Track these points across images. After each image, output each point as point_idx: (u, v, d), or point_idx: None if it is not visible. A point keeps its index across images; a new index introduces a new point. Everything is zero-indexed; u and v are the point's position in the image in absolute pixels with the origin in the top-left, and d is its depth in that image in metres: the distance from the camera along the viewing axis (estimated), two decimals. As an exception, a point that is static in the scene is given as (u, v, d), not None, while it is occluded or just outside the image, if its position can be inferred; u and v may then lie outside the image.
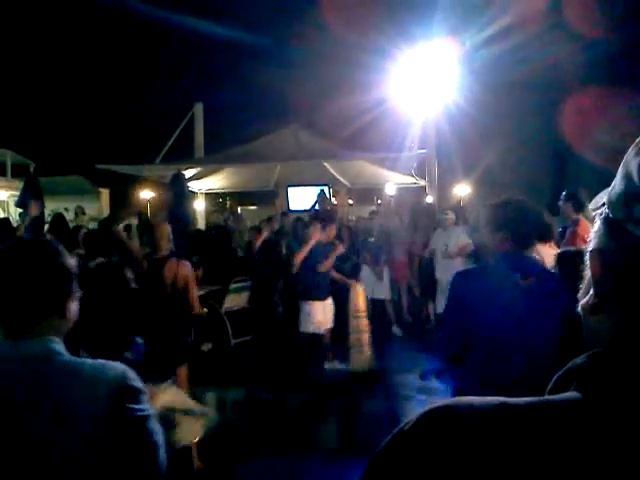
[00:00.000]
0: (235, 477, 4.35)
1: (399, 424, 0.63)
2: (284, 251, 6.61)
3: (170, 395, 2.49)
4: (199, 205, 14.85)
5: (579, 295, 0.70)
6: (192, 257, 6.93)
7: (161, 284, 4.71)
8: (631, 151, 0.63)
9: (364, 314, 6.83)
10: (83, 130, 40.46)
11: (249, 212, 17.27)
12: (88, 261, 4.37)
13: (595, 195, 0.71)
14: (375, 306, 8.21)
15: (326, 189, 12.05)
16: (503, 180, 23.40)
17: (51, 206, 9.42)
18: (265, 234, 8.08)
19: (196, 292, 5.04)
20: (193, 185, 13.21)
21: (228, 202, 16.56)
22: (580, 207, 4.99)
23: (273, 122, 16.56)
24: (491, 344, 2.48)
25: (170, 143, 13.15)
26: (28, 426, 1.31)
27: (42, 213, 8.83)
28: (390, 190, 13.79)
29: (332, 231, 6.92)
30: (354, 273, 7.91)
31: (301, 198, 12.96)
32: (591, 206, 0.71)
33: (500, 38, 15.28)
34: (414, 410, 0.64)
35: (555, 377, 0.65)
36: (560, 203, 5.18)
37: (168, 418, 2.18)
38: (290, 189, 13.60)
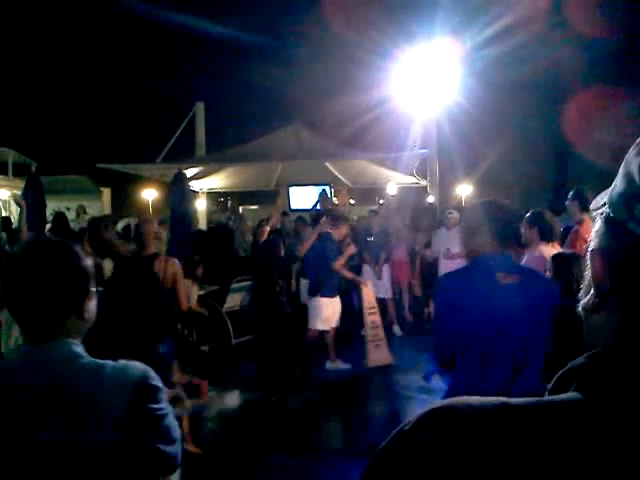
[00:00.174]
0: (237, 477, 4.35)
1: (400, 424, 0.63)
2: (282, 252, 6.62)
3: None
4: (200, 204, 14.85)
5: (579, 295, 0.70)
6: (194, 256, 6.94)
7: (149, 281, 4.72)
8: (632, 151, 0.63)
9: (373, 310, 7.15)
10: (84, 129, 40.49)
11: (250, 212, 17.28)
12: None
13: (598, 195, 0.71)
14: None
15: (327, 189, 12.06)
16: (504, 180, 23.42)
17: (53, 205, 9.42)
18: (267, 230, 8.12)
19: (185, 289, 5.03)
20: (194, 184, 13.21)
21: (229, 202, 16.55)
22: (586, 207, 4.98)
23: (274, 121, 16.58)
24: (476, 346, 2.49)
25: (171, 142, 13.13)
26: (51, 430, 1.31)
27: (44, 212, 8.84)
28: (391, 190, 13.79)
29: (344, 230, 6.97)
30: (356, 272, 7.93)
31: (302, 197, 12.96)
32: (592, 206, 0.71)
33: (501, 38, 15.28)
34: (415, 410, 0.64)
35: (555, 377, 0.65)
36: (567, 202, 5.19)
37: None
38: (291, 188, 13.61)
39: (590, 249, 0.67)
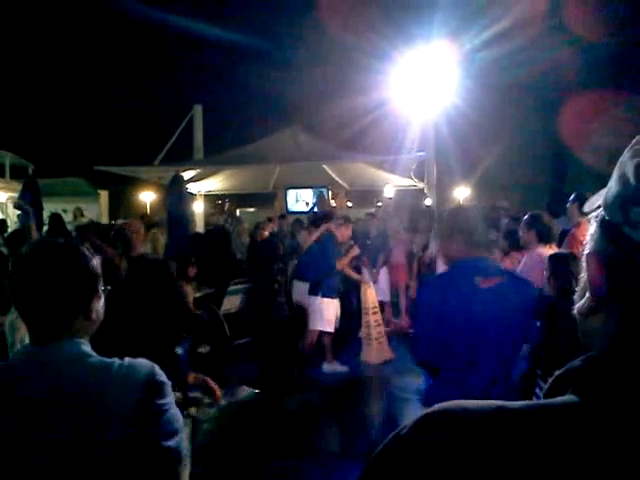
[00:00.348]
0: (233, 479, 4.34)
1: (397, 426, 0.63)
2: (282, 251, 6.63)
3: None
4: (198, 207, 14.84)
5: (575, 298, 0.70)
6: (191, 259, 6.93)
7: (167, 282, 4.79)
8: (626, 153, 0.63)
9: (376, 309, 7.41)
10: (82, 132, 40.47)
11: (248, 214, 17.26)
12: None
13: None
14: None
15: (325, 191, 12.07)
16: (502, 182, 23.44)
17: (50, 208, 9.41)
18: (265, 234, 8.15)
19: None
20: (192, 187, 13.20)
21: (226, 204, 16.52)
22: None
23: (272, 124, 16.58)
24: (458, 349, 2.51)
25: (169, 145, 13.11)
26: (59, 431, 1.31)
27: (41, 215, 8.83)
28: (389, 192, 13.80)
29: (347, 231, 7.00)
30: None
31: (300, 200, 12.99)
32: (586, 208, 0.71)
33: (499, 40, 15.32)
34: (412, 412, 0.64)
35: (552, 380, 0.65)
36: (567, 205, 5.21)
37: None
38: (289, 191, 13.62)
39: (585, 252, 0.67)
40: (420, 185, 12.71)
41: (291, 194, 13.66)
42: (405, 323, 8.97)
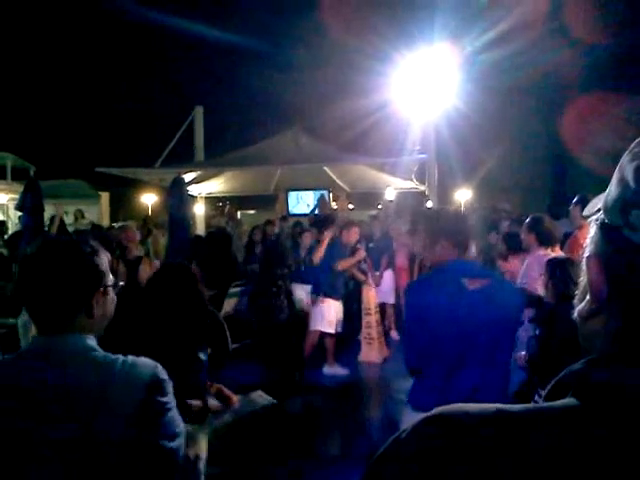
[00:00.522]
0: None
1: (397, 430, 0.63)
2: (287, 252, 6.62)
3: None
4: (199, 209, 14.86)
5: (575, 301, 0.70)
6: (191, 262, 6.94)
7: (136, 283, 4.99)
8: (626, 156, 0.63)
9: (377, 309, 7.53)
10: (83, 134, 40.55)
11: (249, 216, 17.28)
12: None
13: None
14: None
15: (326, 193, 12.08)
16: (503, 184, 23.46)
17: (51, 210, 9.40)
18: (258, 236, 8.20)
19: None
20: (193, 189, 13.22)
21: (227, 206, 16.55)
22: None
23: (273, 126, 16.60)
24: (446, 351, 2.50)
25: (170, 147, 13.13)
26: (62, 426, 1.32)
27: (42, 217, 8.84)
28: (390, 195, 13.81)
29: (354, 234, 7.03)
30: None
31: (301, 202, 13.00)
32: (585, 212, 0.71)
33: (500, 43, 15.35)
34: (412, 416, 0.64)
35: (552, 384, 0.65)
36: (570, 207, 5.21)
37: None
38: (290, 193, 13.62)
39: (586, 255, 0.67)
40: (421, 187, 12.72)
41: (292, 196, 13.68)
42: None
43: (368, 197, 19.66)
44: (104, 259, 1.54)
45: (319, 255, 6.79)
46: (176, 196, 9.55)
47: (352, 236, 7.01)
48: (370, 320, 7.41)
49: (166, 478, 1.44)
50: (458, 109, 13.34)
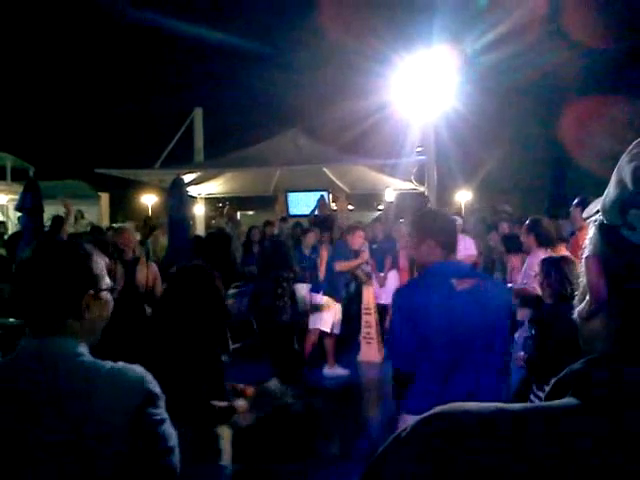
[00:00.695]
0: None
1: (397, 429, 0.63)
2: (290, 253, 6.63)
3: None
4: (199, 210, 14.85)
5: (574, 302, 0.70)
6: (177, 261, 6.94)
7: (133, 283, 5.13)
8: (624, 158, 0.63)
9: (371, 311, 7.56)
10: (83, 134, 40.50)
11: (248, 217, 17.27)
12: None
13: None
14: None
15: (326, 194, 12.07)
16: (503, 186, 23.45)
17: (50, 210, 9.39)
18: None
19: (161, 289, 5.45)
20: (192, 190, 13.20)
21: (227, 207, 16.55)
22: None
23: (273, 127, 16.60)
24: (439, 353, 2.48)
25: (170, 148, 13.13)
26: (56, 430, 1.31)
27: (41, 217, 8.83)
28: (389, 196, 13.80)
29: (358, 238, 7.03)
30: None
31: (300, 203, 12.98)
32: (584, 214, 0.71)
33: (500, 45, 15.36)
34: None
35: (552, 383, 0.65)
36: (571, 209, 5.22)
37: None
38: (289, 194, 13.61)
39: (584, 256, 0.67)
40: (421, 188, 12.71)
41: (292, 197, 13.66)
42: None
43: (368, 198, 19.68)
44: (98, 262, 1.51)
45: (323, 269, 6.84)
46: (176, 197, 9.55)
47: (356, 240, 7.01)
48: (370, 319, 7.43)
49: None
50: (457, 111, 13.34)
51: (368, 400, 6.30)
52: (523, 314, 4.41)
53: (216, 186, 14.57)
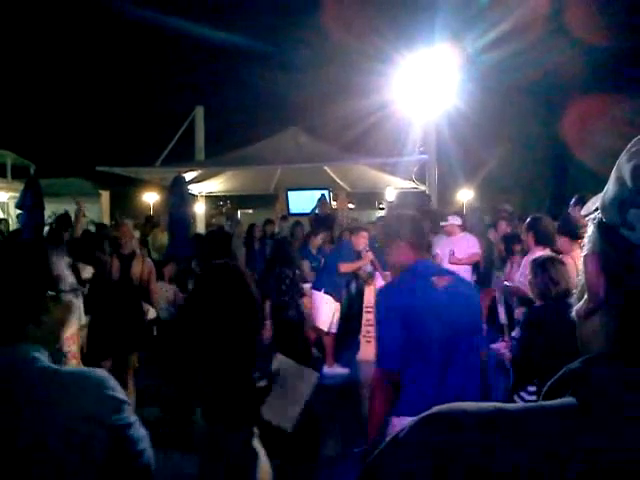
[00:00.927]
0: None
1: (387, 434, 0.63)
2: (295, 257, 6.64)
3: None
4: (199, 208, 14.86)
5: (572, 300, 0.70)
6: (191, 261, 6.96)
7: (128, 278, 5.16)
8: (623, 156, 0.63)
9: (372, 309, 7.34)
10: (84, 132, 40.56)
11: (248, 216, 17.28)
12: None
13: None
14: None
15: (326, 193, 12.07)
16: (504, 184, 23.44)
17: (51, 208, 9.42)
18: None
19: (157, 288, 5.62)
20: (193, 188, 13.22)
21: (228, 205, 16.56)
22: None
23: (274, 126, 16.60)
24: (429, 352, 2.49)
25: (171, 146, 13.14)
26: (12, 434, 1.26)
27: (42, 215, 8.85)
28: (390, 195, 13.81)
29: (362, 239, 7.05)
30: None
31: (301, 202, 12.98)
32: (583, 212, 0.71)
33: (501, 43, 15.35)
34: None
35: (550, 382, 0.65)
36: (569, 209, 5.21)
37: None
38: (290, 193, 13.61)
39: (583, 254, 0.67)
40: (422, 187, 12.72)
41: (292, 196, 13.67)
42: None
43: (369, 197, 19.65)
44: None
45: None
46: (177, 195, 9.57)
47: (360, 240, 7.03)
48: (370, 318, 7.44)
49: None
50: (458, 109, 13.34)
51: (367, 398, 6.30)
52: (520, 313, 4.42)
53: (217, 184, 14.59)
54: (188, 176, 11.59)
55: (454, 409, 0.61)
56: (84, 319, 4.73)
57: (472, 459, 0.56)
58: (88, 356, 4.55)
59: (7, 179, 19.79)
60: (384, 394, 2.64)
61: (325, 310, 6.73)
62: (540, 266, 3.34)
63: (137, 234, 8.88)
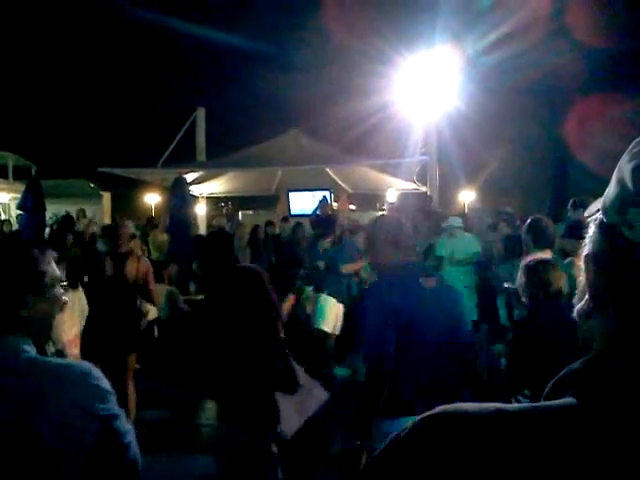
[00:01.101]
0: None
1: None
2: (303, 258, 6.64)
3: None
4: (200, 209, 14.85)
5: (574, 300, 0.70)
6: (192, 262, 6.96)
7: (122, 277, 5.11)
8: (624, 157, 0.63)
9: None
10: (85, 133, 40.56)
11: (250, 217, 17.27)
12: None
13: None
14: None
15: (328, 194, 12.06)
16: (505, 186, 23.41)
17: (53, 209, 9.44)
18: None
19: (155, 288, 5.57)
20: (194, 189, 13.21)
21: (229, 206, 16.53)
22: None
23: (275, 127, 16.59)
24: (423, 352, 2.48)
25: (172, 147, 13.14)
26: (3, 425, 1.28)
27: (43, 216, 8.86)
28: (391, 196, 13.79)
29: (363, 239, 7.04)
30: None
31: (302, 203, 12.97)
32: (586, 213, 0.71)
33: (502, 45, 15.34)
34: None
35: (551, 382, 0.65)
36: (569, 214, 5.19)
37: None
38: (291, 194, 13.60)
39: (584, 254, 0.67)
40: (423, 189, 12.71)
41: (293, 197, 13.66)
42: None
43: (370, 198, 19.65)
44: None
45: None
46: (178, 196, 9.57)
47: (361, 240, 7.03)
48: None
49: None
50: (459, 110, 13.34)
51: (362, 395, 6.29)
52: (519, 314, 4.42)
53: (218, 185, 14.58)
54: (189, 177, 11.58)
55: (456, 410, 0.62)
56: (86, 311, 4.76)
57: (473, 460, 0.56)
58: (82, 355, 4.51)
59: (9, 180, 19.81)
60: (377, 389, 2.64)
61: (329, 312, 6.70)
62: (531, 269, 3.34)
63: (138, 234, 8.88)
